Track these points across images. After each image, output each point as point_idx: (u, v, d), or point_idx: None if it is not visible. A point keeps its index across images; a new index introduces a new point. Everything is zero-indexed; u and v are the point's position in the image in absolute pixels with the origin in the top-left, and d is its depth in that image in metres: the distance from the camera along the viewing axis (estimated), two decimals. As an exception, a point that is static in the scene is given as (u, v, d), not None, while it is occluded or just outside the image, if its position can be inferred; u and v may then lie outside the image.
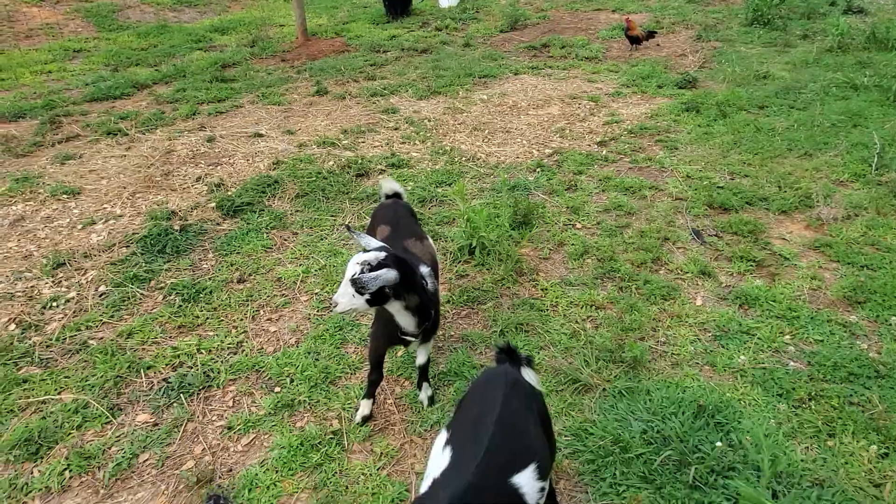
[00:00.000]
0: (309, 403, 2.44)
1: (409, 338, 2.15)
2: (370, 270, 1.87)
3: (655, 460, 2.09)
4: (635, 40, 7.21)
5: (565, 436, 2.26)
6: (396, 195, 2.74)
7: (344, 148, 4.83)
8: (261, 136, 5.13)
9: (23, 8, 8.93)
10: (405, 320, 2.08)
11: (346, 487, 2.08)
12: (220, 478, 2.14)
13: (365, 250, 1.97)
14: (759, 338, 2.70)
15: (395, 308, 2.03)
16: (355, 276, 1.85)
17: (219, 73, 6.75)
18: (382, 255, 1.93)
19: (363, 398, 2.37)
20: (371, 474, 2.13)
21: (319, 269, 3.28)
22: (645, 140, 4.77)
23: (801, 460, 2.10)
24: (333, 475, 2.13)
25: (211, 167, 4.54)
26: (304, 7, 8.16)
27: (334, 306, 1.93)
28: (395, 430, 2.33)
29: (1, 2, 8.91)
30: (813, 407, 2.32)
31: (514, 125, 5.22)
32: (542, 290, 3.07)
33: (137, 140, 5.03)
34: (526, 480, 1.42)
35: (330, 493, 2.05)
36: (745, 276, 3.13)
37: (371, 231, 2.49)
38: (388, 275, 1.87)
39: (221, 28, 8.98)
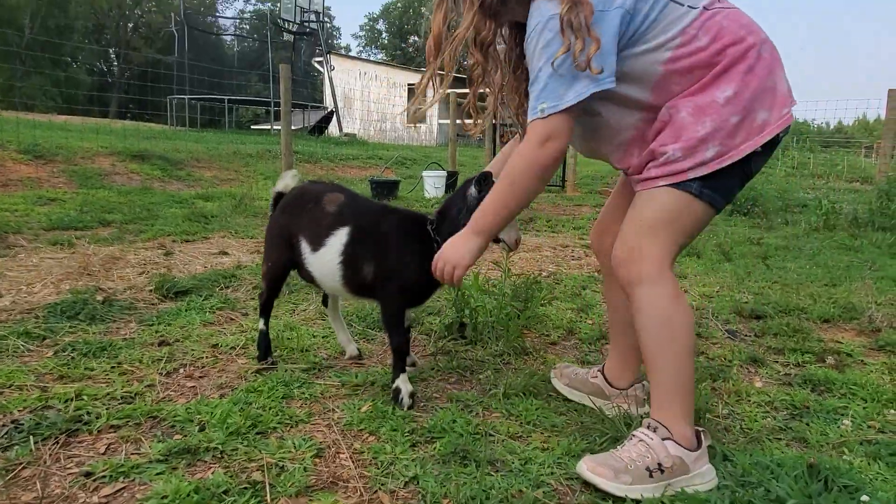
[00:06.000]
0: (221, 452, 1.61)
1: None
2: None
3: (770, 525, 1.29)
4: (621, 217, 7.20)
5: (615, 500, 1.45)
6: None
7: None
8: (227, 254, 4.63)
9: (8, 163, 8.92)
10: None
11: (258, 551, 1.22)
12: (44, 531, 1.27)
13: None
14: (852, 415, 2.00)
15: None
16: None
17: (194, 217, 6.46)
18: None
19: (396, 377, 1.95)
20: (303, 536, 1.28)
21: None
22: (648, 272, 4.36)
23: None
24: (239, 534, 1.27)
25: (162, 270, 3.95)
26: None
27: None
28: (349, 488, 1.49)
29: (-12, 158, 8.90)
30: (973, 479, 1.57)
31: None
32: (552, 365, 2.38)
33: (84, 249, 4.48)
34: None
35: (227, 558, 1.19)
36: (807, 366, 2.49)
37: (294, 214, 2.15)
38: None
39: (206, 196, 8.95)
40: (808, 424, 1.94)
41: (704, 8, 1.41)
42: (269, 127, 21.42)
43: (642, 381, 1.88)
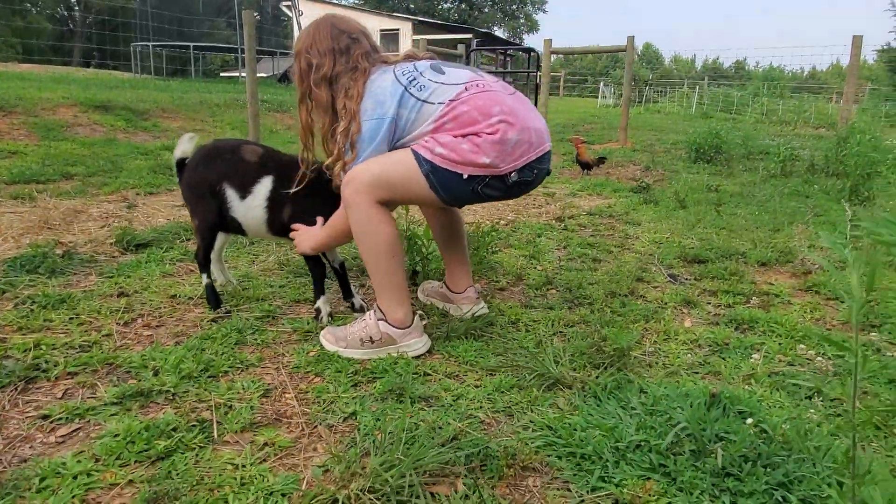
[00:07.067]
0: (173, 394, 1.72)
1: None
2: None
3: (661, 444, 1.45)
4: (586, 166, 7.24)
5: (533, 429, 1.60)
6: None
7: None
8: (190, 206, 4.66)
9: (-35, 116, 8.68)
10: None
11: (202, 479, 1.35)
12: (2, 467, 1.38)
13: None
14: (767, 351, 2.17)
15: None
16: None
17: (160, 169, 6.42)
18: None
19: (318, 299, 2.33)
20: (244, 465, 1.41)
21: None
22: (605, 219, 4.49)
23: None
24: (185, 465, 1.39)
25: (124, 223, 3.98)
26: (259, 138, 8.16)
27: None
28: (291, 424, 1.62)
29: (-55, 111, 8.64)
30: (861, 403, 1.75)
31: (465, 209, 4.92)
32: (498, 310, 2.51)
33: (45, 203, 4.48)
34: None
35: (174, 485, 1.31)
36: (735, 306, 2.65)
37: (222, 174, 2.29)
38: None
39: (172, 147, 8.78)
40: (724, 359, 2.10)
41: (451, 100, 1.90)
42: (237, 74, 20.90)
43: (473, 285, 2.45)
